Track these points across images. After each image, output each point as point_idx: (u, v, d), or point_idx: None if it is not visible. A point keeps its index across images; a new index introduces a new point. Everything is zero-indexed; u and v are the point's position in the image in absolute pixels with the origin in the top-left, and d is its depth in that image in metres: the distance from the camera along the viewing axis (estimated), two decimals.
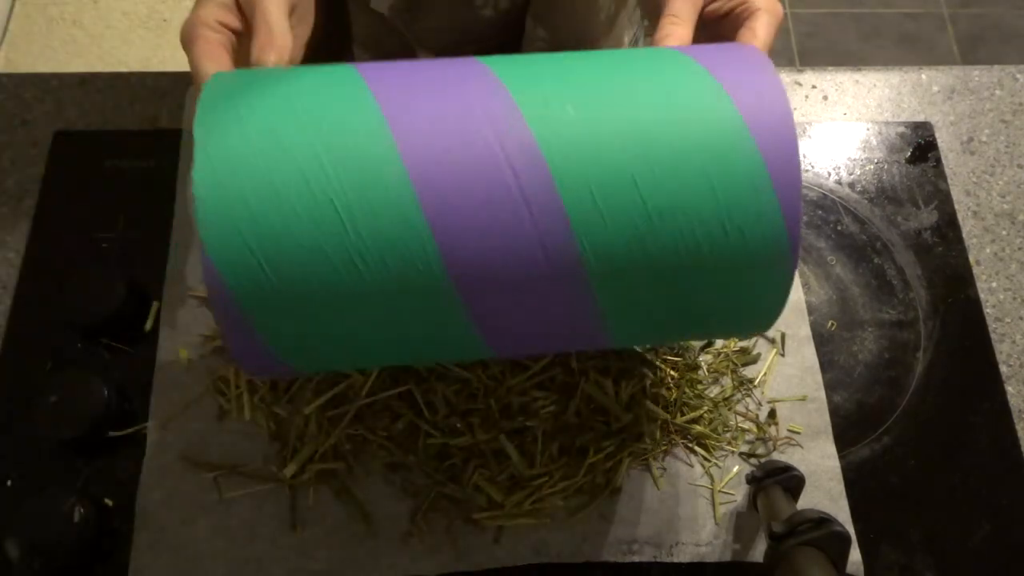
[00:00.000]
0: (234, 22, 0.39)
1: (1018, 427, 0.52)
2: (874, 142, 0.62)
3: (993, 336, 0.55)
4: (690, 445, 0.50)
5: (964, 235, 0.58)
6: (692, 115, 0.33)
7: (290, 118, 0.32)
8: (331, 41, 0.67)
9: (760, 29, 0.40)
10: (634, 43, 0.73)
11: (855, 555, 0.47)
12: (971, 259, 0.58)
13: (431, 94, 0.33)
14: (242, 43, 0.39)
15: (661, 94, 0.34)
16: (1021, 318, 0.56)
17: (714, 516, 0.48)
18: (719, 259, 0.34)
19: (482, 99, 0.33)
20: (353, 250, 0.32)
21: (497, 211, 0.32)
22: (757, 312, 0.37)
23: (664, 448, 0.50)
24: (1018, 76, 0.65)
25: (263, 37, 0.37)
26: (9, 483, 0.48)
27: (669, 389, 0.50)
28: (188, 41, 0.38)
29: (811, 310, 0.55)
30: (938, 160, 0.61)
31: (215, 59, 0.37)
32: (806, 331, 0.54)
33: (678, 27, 0.39)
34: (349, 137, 0.32)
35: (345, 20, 0.66)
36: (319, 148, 0.32)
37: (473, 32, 0.65)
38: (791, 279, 0.36)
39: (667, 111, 0.33)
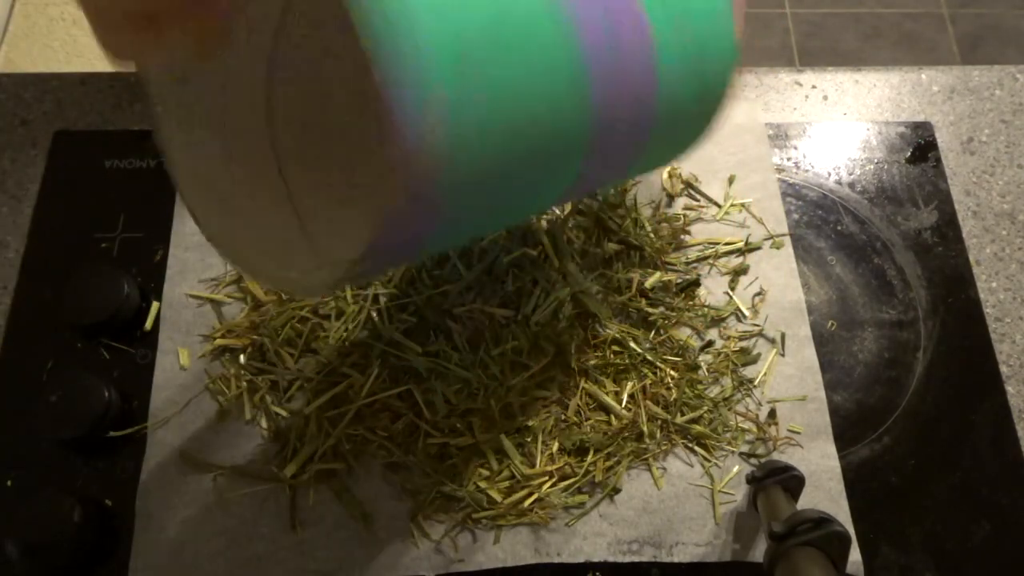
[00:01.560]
0: None
1: (1018, 427, 0.52)
2: (874, 142, 0.62)
3: (993, 336, 0.55)
4: (690, 445, 0.50)
5: (964, 235, 0.58)
6: None
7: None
8: None
9: None
10: None
11: (855, 555, 0.47)
12: (971, 259, 0.58)
13: None
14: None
15: None
16: (1021, 318, 0.56)
17: (714, 516, 0.48)
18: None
19: None
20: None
21: (625, 52, 0.33)
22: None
23: (664, 448, 0.50)
24: (1018, 76, 0.65)
25: None
26: (9, 483, 0.48)
27: (669, 389, 0.51)
28: None
29: (811, 310, 0.55)
30: (938, 160, 0.61)
31: None
32: (806, 331, 0.54)
33: None
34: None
35: None
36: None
37: None
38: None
39: None
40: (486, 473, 0.48)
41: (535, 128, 0.32)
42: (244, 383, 0.50)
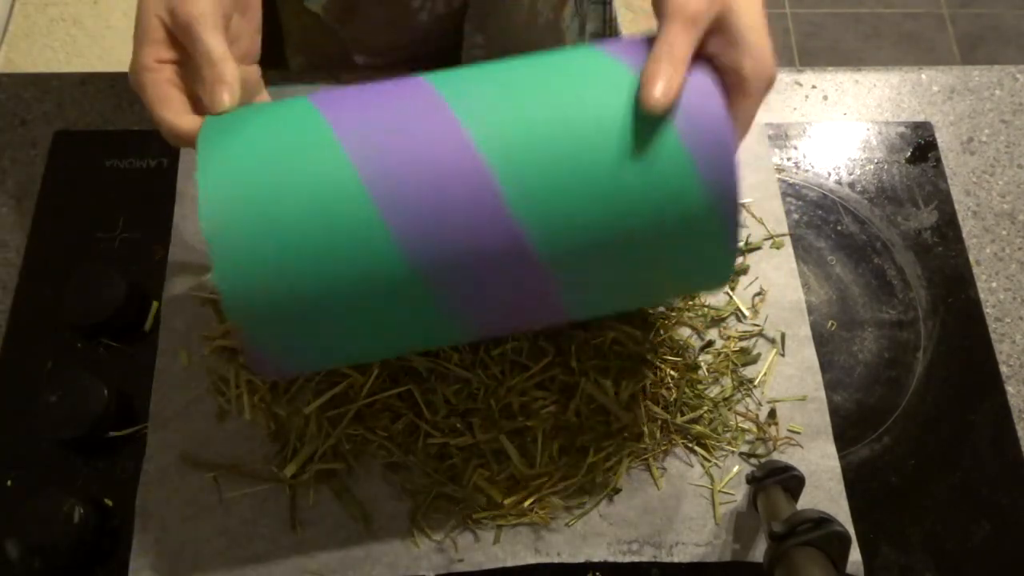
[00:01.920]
0: (172, 54, 0.39)
1: (1018, 427, 0.52)
2: (874, 142, 0.62)
3: (993, 336, 0.55)
4: (690, 445, 0.50)
5: (964, 235, 0.58)
6: (613, 110, 0.37)
7: (276, 190, 0.37)
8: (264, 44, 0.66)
9: (739, 111, 0.39)
10: (590, 36, 0.73)
11: (855, 555, 0.47)
12: (971, 259, 0.58)
13: (388, 129, 0.37)
14: (188, 66, 0.39)
15: (583, 95, 0.38)
16: (1021, 318, 0.56)
17: (714, 516, 0.48)
18: (655, 233, 0.38)
19: (429, 121, 0.37)
20: (333, 266, 0.37)
21: (450, 213, 0.36)
22: (706, 273, 0.41)
23: (664, 448, 0.50)
24: (1018, 76, 0.65)
25: (208, 73, 0.38)
26: (9, 483, 0.48)
27: (669, 389, 0.50)
28: (138, 90, 0.39)
29: (811, 310, 0.55)
30: (938, 160, 0.61)
31: (166, 101, 0.38)
32: (806, 331, 0.54)
33: (663, 65, 0.36)
34: (320, 181, 0.37)
35: (277, 23, 0.64)
36: (299, 201, 0.37)
37: (409, 35, 0.64)
38: (731, 242, 0.39)
39: (589, 109, 0.37)
40: (486, 473, 0.48)
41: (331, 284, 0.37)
42: (244, 383, 0.50)
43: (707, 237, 0.39)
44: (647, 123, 0.37)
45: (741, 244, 0.56)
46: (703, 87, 0.37)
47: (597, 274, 0.39)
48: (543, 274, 0.38)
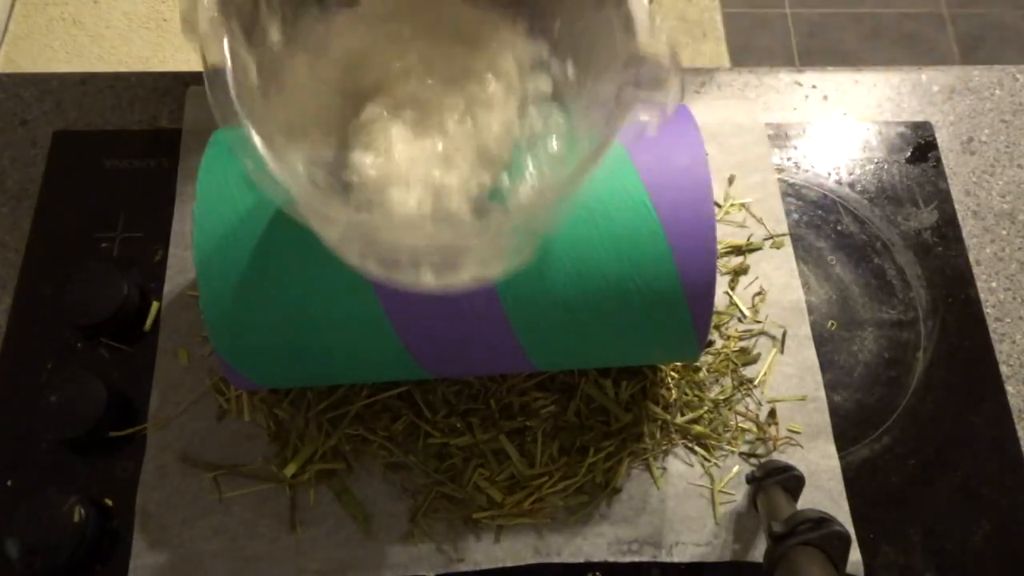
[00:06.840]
0: None
1: (1018, 427, 0.52)
2: (874, 142, 0.62)
3: (993, 336, 0.55)
4: (690, 445, 0.50)
5: (964, 235, 0.58)
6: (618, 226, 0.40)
7: (266, 229, 0.39)
8: None
9: None
10: None
11: (855, 555, 0.47)
12: (971, 259, 0.58)
13: None
14: None
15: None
16: (1021, 318, 0.56)
17: (714, 516, 0.48)
18: (631, 313, 0.41)
19: None
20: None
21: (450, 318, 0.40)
22: (675, 353, 0.45)
23: (664, 448, 0.50)
24: (1018, 76, 0.65)
25: None
26: (9, 483, 0.48)
27: (669, 389, 0.51)
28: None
29: (811, 310, 0.55)
30: (938, 160, 0.61)
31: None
32: (806, 331, 0.54)
33: None
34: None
35: None
36: (287, 244, 0.39)
37: None
38: (700, 338, 0.43)
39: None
40: (486, 473, 0.48)
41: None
42: None
43: (679, 328, 0.42)
44: (635, 212, 0.40)
45: (741, 244, 0.56)
46: (695, 181, 0.40)
47: (569, 352, 0.43)
48: (515, 344, 0.42)
